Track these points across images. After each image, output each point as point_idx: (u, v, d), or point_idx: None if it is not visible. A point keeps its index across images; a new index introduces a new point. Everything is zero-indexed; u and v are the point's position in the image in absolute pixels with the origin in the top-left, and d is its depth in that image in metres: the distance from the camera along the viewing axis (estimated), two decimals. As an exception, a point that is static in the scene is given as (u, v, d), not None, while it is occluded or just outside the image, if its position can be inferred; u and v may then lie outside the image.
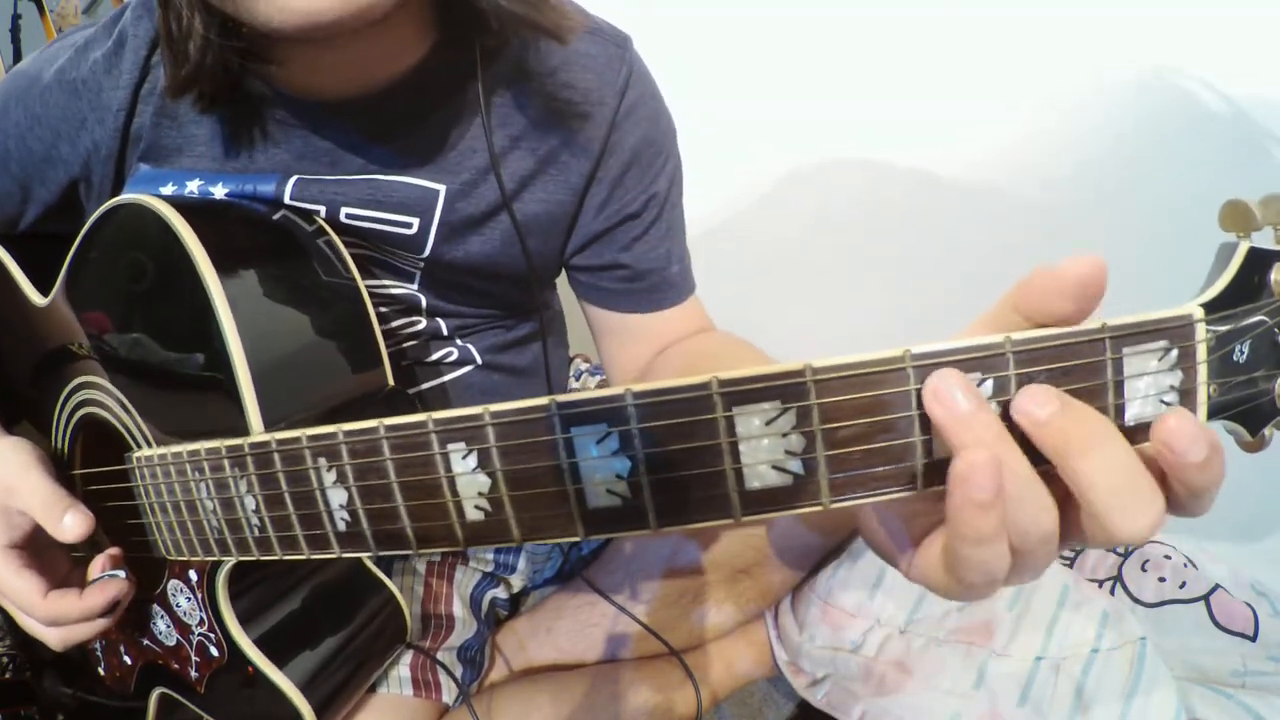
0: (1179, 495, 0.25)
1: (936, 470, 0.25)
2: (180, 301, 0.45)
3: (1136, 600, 0.75)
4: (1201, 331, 0.25)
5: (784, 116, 0.97)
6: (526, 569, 0.79)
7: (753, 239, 1.02)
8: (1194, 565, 0.76)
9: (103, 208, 0.48)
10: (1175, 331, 0.25)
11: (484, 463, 0.29)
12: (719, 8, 0.97)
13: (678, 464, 0.26)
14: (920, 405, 0.24)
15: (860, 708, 0.69)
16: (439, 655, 0.66)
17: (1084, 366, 0.24)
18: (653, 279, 0.65)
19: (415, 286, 0.61)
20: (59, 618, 0.47)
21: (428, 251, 0.57)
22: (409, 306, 0.62)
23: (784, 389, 0.25)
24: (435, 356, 0.64)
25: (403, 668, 0.63)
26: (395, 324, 0.62)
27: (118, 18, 0.52)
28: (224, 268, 0.43)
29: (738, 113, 0.98)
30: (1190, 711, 0.64)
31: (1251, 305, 0.26)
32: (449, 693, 0.65)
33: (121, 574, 0.48)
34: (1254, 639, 0.71)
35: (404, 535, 0.32)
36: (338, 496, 0.34)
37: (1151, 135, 0.81)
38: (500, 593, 0.76)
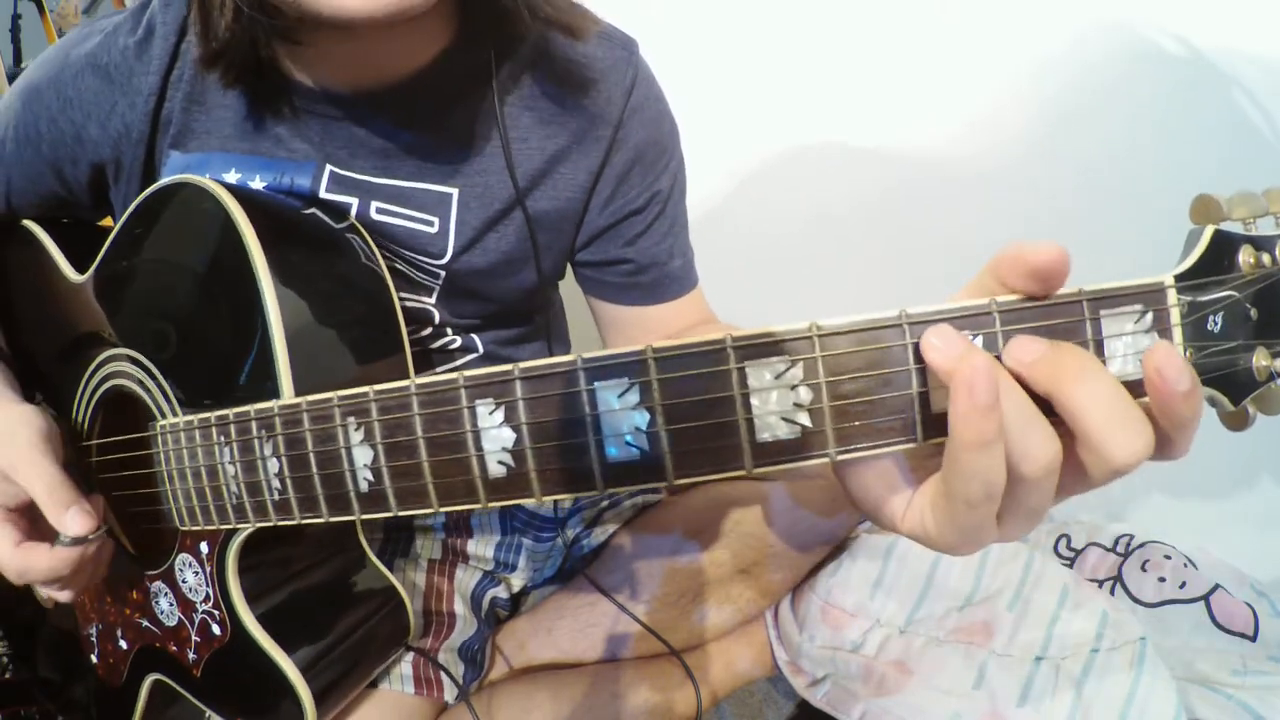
0: (1164, 430, 0.28)
1: (935, 423, 0.29)
2: (225, 277, 0.49)
3: (1136, 600, 0.78)
4: (1173, 297, 0.29)
5: (772, 111, 1.01)
6: (527, 568, 0.82)
7: (748, 232, 1.06)
8: (1194, 565, 0.79)
9: (152, 187, 0.52)
10: (1148, 296, 0.29)
11: (510, 417, 0.32)
12: (715, 5, 1.01)
13: (694, 415, 0.29)
14: (917, 359, 0.28)
15: (860, 708, 0.72)
16: (441, 653, 0.69)
17: (1065, 326, 0.28)
18: (655, 273, 0.69)
19: (432, 301, 0.64)
20: (28, 570, 0.50)
21: (448, 256, 0.61)
22: (420, 320, 0.65)
23: (793, 344, 0.28)
24: (436, 345, 0.68)
25: (405, 665, 0.66)
26: None
27: (145, 5, 0.56)
28: (270, 248, 0.47)
29: (731, 107, 1.02)
30: (1190, 711, 0.67)
31: (1221, 278, 0.30)
32: (450, 691, 0.68)
33: (90, 511, 0.51)
34: (1254, 639, 0.74)
35: (425, 492, 0.36)
36: (363, 455, 0.37)
37: (1141, 110, 0.85)
38: (500, 592, 0.79)
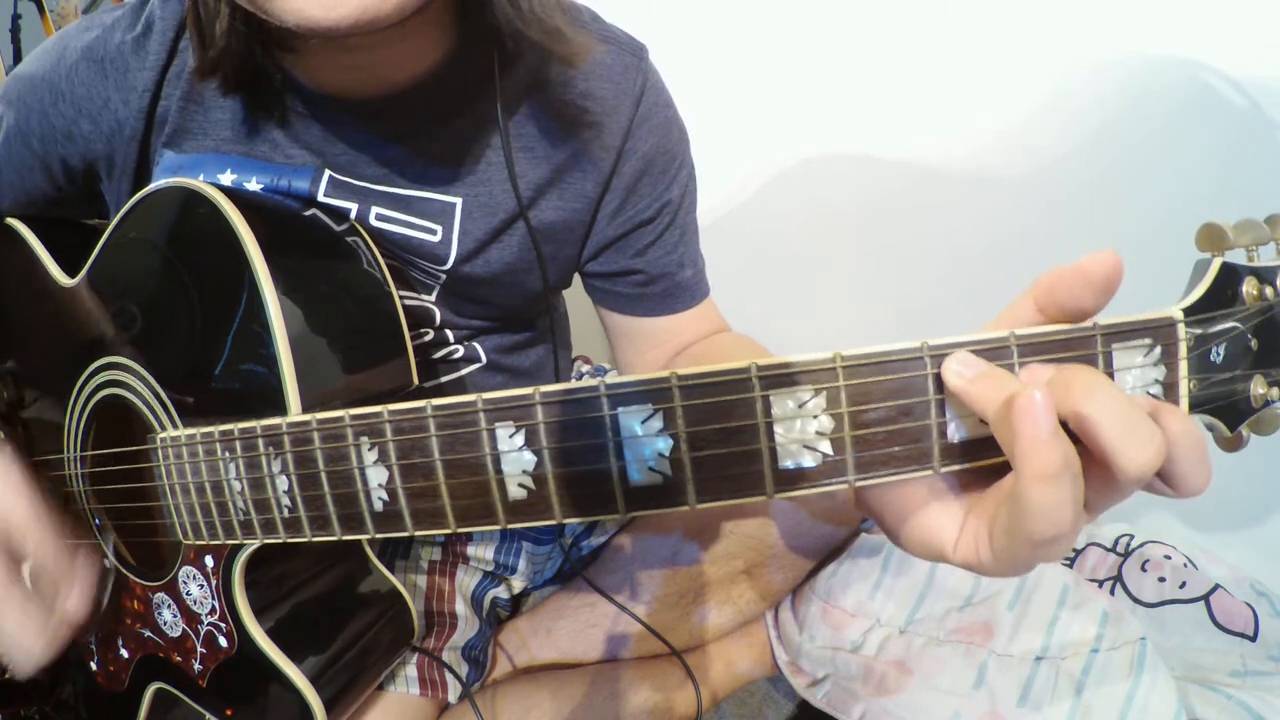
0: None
1: (952, 452, 0.30)
2: (224, 284, 0.49)
3: (1136, 600, 0.80)
4: (1182, 331, 0.31)
5: (779, 114, 1.02)
6: (527, 569, 0.83)
7: (753, 237, 1.07)
8: (1194, 565, 0.81)
9: (146, 190, 0.52)
10: (1159, 331, 0.30)
11: (530, 440, 0.33)
12: (716, 6, 1.02)
13: (717, 442, 0.31)
14: (938, 390, 0.29)
15: (860, 708, 0.74)
16: (444, 653, 0.71)
17: (1079, 358, 0.30)
18: (666, 283, 0.70)
19: (432, 299, 0.65)
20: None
21: (450, 262, 0.61)
22: (421, 320, 0.66)
23: (816, 374, 0.30)
24: (440, 354, 0.69)
25: (410, 667, 0.68)
26: None
27: (144, 1, 0.56)
28: (271, 254, 0.47)
29: (735, 111, 1.03)
30: (1190, 711, 0.68)
31: (1226, 311, 0.32)
32: (454, 691, 0.69)
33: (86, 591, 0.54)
34: (1254, 639, 0.76)
35: (443, 513, 0.36)
36: (377, 475, 0.38)
37: (1148, 116, 0.86)
38: (501, 592, 0.81)
